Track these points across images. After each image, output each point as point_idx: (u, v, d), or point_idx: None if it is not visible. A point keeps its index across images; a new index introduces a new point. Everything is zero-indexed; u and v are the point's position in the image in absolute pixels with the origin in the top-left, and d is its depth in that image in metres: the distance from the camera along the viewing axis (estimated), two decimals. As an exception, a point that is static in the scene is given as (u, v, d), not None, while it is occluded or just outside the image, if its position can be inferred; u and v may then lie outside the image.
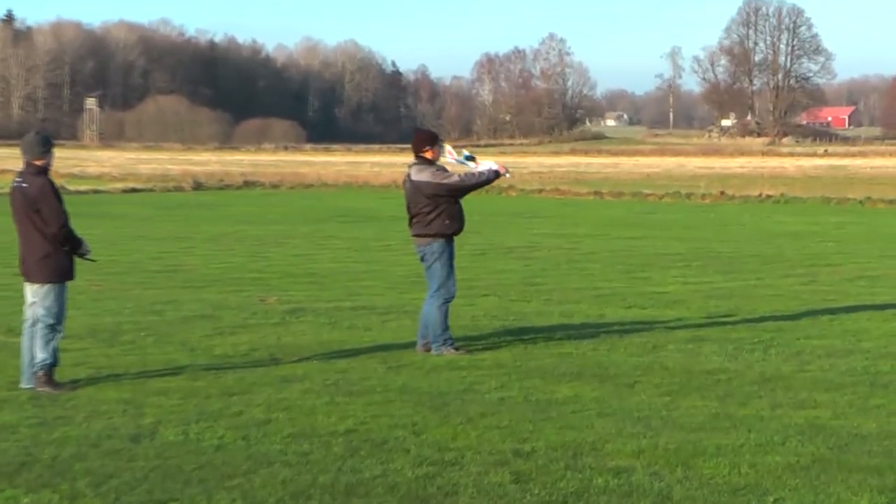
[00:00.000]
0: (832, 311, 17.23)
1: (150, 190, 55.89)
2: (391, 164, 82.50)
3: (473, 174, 13.82)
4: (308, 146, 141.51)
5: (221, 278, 21.45)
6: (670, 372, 12.55)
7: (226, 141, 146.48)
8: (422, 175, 13.75)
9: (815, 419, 10.45)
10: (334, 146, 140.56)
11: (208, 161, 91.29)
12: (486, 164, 13.96)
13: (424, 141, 14.02)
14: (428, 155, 13.87)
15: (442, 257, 13.76)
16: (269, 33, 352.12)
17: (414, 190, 13.81)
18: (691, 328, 15.63)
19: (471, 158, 14.00)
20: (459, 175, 13.78)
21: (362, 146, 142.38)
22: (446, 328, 13.75)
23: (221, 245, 28.46)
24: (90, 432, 9.94)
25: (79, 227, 12.28)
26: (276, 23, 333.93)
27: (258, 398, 11.19)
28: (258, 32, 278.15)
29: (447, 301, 13.77)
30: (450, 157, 14.21)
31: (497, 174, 13.93)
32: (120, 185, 56.45)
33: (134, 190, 55.04)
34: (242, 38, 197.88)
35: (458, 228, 13.84)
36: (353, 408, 10.78)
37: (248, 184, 60.65)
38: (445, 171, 13.80)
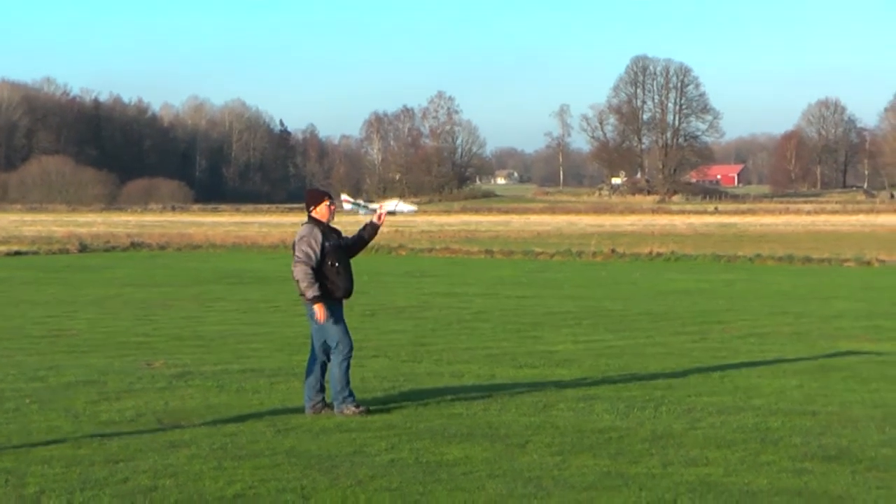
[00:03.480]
0: (723, 369, 17.37)
1: (35, 252, 55.21)
2: (279, 224, 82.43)
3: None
4: (195, 206, 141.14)
5: (106, 343, 21.11)
6: (561, 431, 12.54)
7: (112, 202, 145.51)
8: (298, 236, 13.71)
9: (707, 476, 10.50)
10: (222, 206, 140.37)
11: (94, 222, 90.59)
12: (388, 205, 13.92)
13: (310, 200, 14.01)
14: (315, 214, 13.82)
15: (333, 315, 13.63)
16: (155, 92, 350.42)
17: (299, 250, 13.72)
18: (582, 387, 15.66)
19: (363, 205, 13.93)
20: (305, 254, 13.55)
21: (250, 206, 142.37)
22: (347, 384, 13.68)
23: (107, 308, 28.08)
24: (-31, 503, 9.70)
25: (-42, 291, 12.03)
26: (161, 82, 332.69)
27: (144, 464, 11.01)
28: (144, 91, 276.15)
29: (347, 358, 13.68)
30: (346, 205, 14.15)
31: (375, 228, 13.91)
32: (3, 249, 55.64)
33: (18, 253, 54.31)
34: (128, 97, 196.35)
35: (346, 290, 13.72)
36: (241, 472, 10.67)
37: (134, 245, 60.14)
38: (311, 236, 13.61)
